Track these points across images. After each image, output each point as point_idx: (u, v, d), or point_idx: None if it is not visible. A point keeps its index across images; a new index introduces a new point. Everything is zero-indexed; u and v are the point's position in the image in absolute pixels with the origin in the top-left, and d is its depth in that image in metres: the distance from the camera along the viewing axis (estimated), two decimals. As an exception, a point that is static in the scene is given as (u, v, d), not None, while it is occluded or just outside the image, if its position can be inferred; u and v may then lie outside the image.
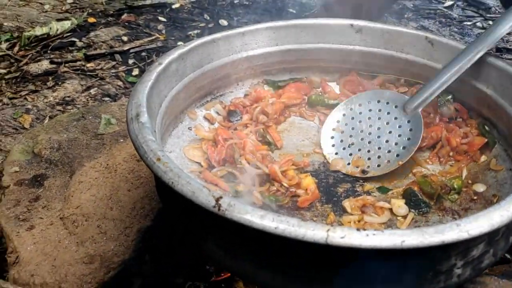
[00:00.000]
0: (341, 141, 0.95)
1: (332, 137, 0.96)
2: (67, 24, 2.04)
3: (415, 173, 0.89)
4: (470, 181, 0.86)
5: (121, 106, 1.22)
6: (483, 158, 0.88)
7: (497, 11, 2.44)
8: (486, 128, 0.90)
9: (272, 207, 0.81)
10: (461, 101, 0.96)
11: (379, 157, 0.90)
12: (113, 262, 0.81)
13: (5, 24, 2.08)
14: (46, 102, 1.57)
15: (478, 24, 2.30)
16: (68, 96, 1.61)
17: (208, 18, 2.25)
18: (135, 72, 1.79)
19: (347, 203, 0.82)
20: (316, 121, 1.04)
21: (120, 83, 1.71)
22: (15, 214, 0.90)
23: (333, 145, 0.95)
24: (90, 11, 2.27)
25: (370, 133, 0.94)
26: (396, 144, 0.90)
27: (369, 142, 0.93)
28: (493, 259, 0.64)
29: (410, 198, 0.82)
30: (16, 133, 1.41)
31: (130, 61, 1.86)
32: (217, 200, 0.55)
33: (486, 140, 0.89)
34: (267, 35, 1.03)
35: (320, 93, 1.07)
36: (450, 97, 0.96)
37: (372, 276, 0.58)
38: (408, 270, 0.58)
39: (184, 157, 0.89)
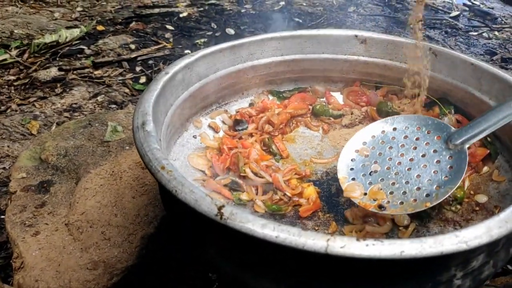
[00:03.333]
0: (362, 166, 0.83)
1: (353, 160, 0.84)
2: (76, 32, 2.07)
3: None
4: (472, 192, 0.86)
5: (127, 114, 1.23)
6: (485, 169, 0.89)
7: (503, 22, 2.44)
8: (489, 139, 0.91)
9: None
10: (463, 112, 0.96)
11: (404, 193, 0.77)
12: (116, 269, 0.82)
13: (16, 31, 2.11)
14: (54, 109, 1.59)
15: (484, 34, 2.30)
16: (76, 103, 1.63)
17: (215, 27, 2.27)
18: (142, 79, 1.81)
19: (349, 213, 0.82)
20: (320, 131, 1.04)
21: (127, 90, 1.73)
22: (21, 219, 0.92)
23: (351, 169, 0.83)
24: (99, 19, 2.31)
25: (399, 163, 0.80)
26: (428, 181, 0.77)
27: (396, 174, 0.79)
28: (493, 270, 0.64)
29: (411, 208, 0.81)
30: (23, 139, 1.43)
31: (138, 69, 1.88)
32: (219, 208, 0.56)
33: (488, 151, 0.89)
34: (272, 45, 1.04)
35: (324, 103, 1.08)
36: (451, 108, 0.96)
37: (372, 286, 0.58)
38: (407, 281, 0.58)
39: (189, 165, 0.90)
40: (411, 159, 0.80)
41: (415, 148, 0.81)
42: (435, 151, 0.80)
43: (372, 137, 0.86)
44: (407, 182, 0.78)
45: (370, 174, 0.81)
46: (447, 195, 0.74)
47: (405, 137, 0.83)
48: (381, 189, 0.78)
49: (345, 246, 0.51)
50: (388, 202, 0.76)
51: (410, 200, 0.76)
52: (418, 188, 0.76)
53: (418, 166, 0.78)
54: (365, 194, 0.79)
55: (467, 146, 0.78)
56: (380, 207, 0.76)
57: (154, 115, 0.76)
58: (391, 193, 0.78)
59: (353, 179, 0.81)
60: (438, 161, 0.78)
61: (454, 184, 0.75)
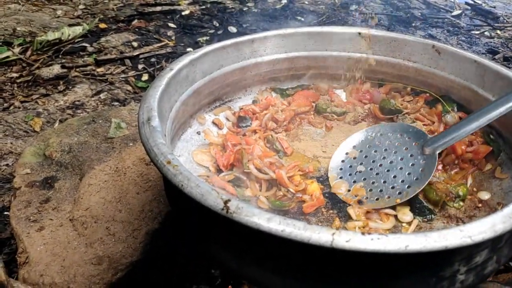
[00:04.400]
0: (350, 166, 0.92)
1: (343, 161, 0.93)
2: (78, 30, 2.07)
3: (421, 180, 0.90)
4: (475, 189, 0.86)
5: (131, 111, 1.24)
6: (488, 166, 0.89)
7: (505, 21, 2.44)
8: (492, 136, 0.91)
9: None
10: (466, 110, 0.97)
11: (380, 190, 0.86)
12: (121, 264, 0.83)
13: (18, 29, 2.11)
14: (57, 106, 1.60)
15: (486, 33, 2.30)
16: (78, 100, 1.64)
17: (218, 25, 2.27)
18: (145, 77, 1.81)
19: (352, 210, 0.82)
20: (323, 128, 1.05)
21: (129, 88, 1.74)
22: (26, 215, 0.92)
23: (341, 169, 0.92)
24: (102, 17, 2.31)
25: (381, 165, 0.89)
26: (402, 181, 0.85)
27: (377, 174, 0.88)
28: (496, 266, 0.65)
29: (414, 205, 0.83)
30: (26, 136, 1.44)
31: (140, 67, 1.88)
32: (226, 202, 0.56)
33: (491, 148, 0.89)
34: (276, 42, 1.04)
35: (328, 101, 1.08)
36: (454, 106, 0.97)
37: (376, 280, 0.59)
38: (411, 275, 0.58)
39: (193, 161, 0.90)
40: (391, 162, 0.89)
41: (395, 152, 0.91)
42: (412, 155, 0.88)
43: (361, 141, 0.96)
44: (384, 182, 0.87)
45: (355, 173, 0.90)
46: (415, 193, 0.83)
47: (389, 141, 0.93)
48: (362, 186, 0.87)
49: (350, 240, 0.52)
50: (367, 198, 0.86)
51: (385, 197, 0.85)
52: (393, 187, 0.85)
53: (396, 168, 0.88)
54: (349, 190, 0.88)
55: (437, 152, 0.86)
56: (359, 202, 0.85)
57: (159, 110, 0.76)
58: (370, 190, 0.87)
59: (341, 177, 0.91)
60: (413, 164, 0.87)
61: (422, 184, 0.83)
